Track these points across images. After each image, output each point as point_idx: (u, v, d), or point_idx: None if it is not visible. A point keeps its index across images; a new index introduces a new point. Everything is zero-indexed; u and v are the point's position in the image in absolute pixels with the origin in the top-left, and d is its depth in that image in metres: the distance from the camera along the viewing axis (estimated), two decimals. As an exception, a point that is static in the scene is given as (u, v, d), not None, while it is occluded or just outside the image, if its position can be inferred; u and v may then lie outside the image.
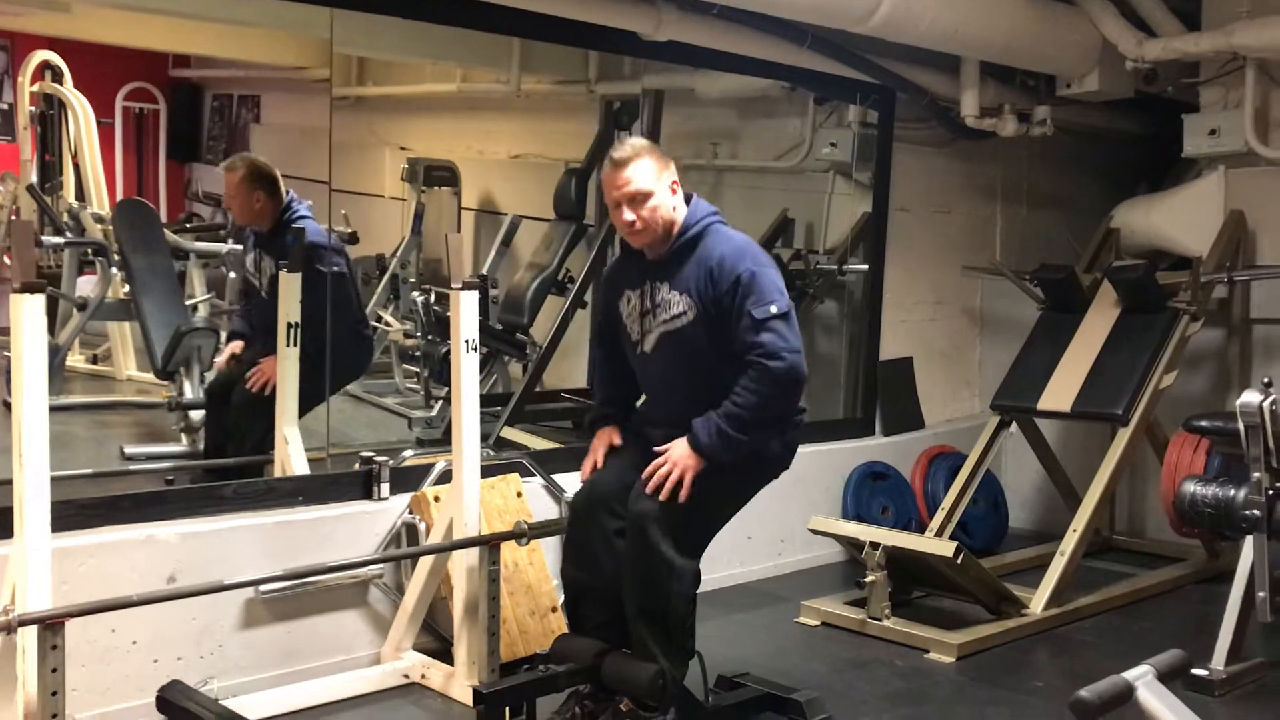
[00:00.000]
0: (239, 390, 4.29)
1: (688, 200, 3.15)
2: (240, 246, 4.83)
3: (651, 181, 3.05)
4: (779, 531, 4.91)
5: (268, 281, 4.29)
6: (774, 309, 2.99)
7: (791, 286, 5.50)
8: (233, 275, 5.66)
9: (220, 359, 4.74)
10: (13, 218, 6.01)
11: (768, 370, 2.96)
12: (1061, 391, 4.80)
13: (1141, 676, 1.85)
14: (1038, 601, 4.30)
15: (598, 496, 3.16)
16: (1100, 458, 4.67)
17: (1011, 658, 4.01)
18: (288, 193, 4.39)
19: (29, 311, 2.67)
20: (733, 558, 4.71)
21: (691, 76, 5.59)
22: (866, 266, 5.53)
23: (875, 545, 4.12)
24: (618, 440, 3.31)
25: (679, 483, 2.97)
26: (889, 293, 5.58)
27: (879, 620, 4.13)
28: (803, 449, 5.08)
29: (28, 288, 2.67)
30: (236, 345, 4.59)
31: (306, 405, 4.16)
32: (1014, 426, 5.10)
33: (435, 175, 6.79)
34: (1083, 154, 6.21)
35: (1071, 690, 1.80)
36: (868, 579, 4.13)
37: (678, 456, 3.00)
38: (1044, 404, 4.84)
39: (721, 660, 3.48)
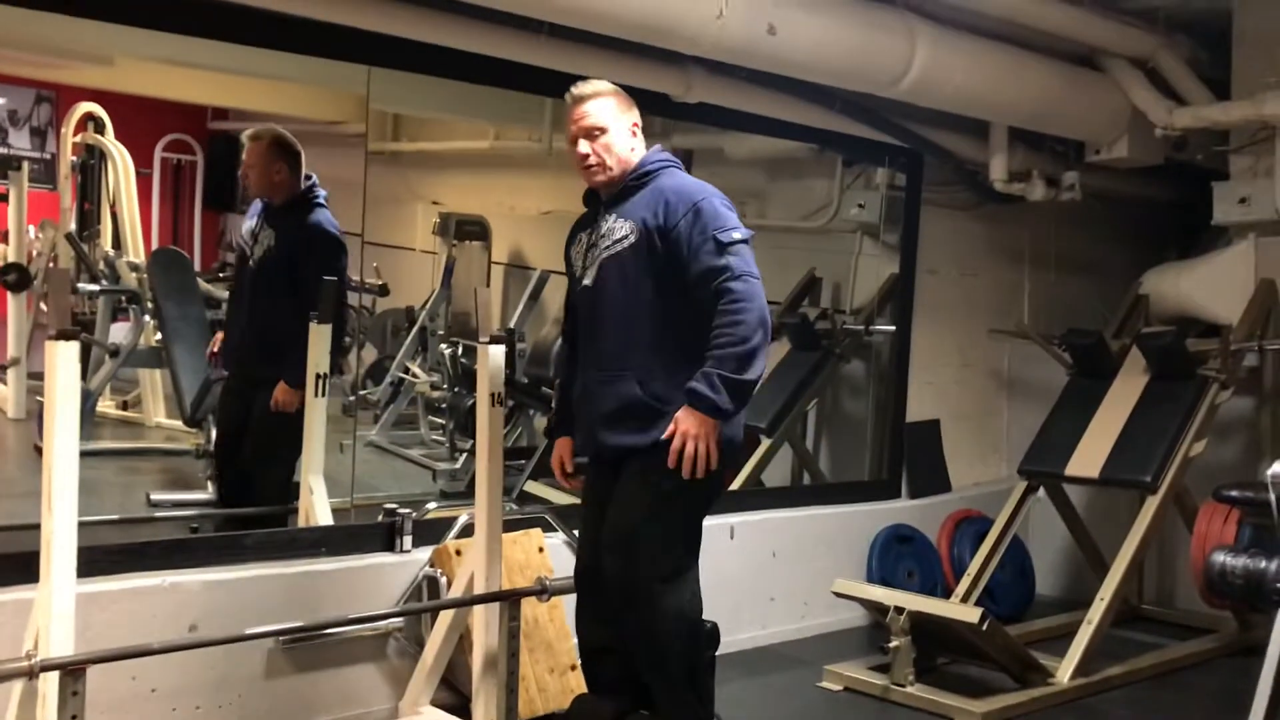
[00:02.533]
0: (249, 442, 4.25)
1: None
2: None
3: (609, 118, 3.03)
4: (802, 594, 4.87)
5: (261, 252, 4.21)
6: (736, 234, 2.86)
7: (818, 346, 5.55)
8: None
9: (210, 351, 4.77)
10: (50, 264, 6.12)
11: (740, 294, 2.79)
12: (1090, 457, 4.76)
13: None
14: (1064, 671, 4.23)
15: (598, 552, 3.10)
16: (1128, 525, 4.61)
17: (1037, 728, 3.95)
18: (309, 176, 4.32)
19: (63, 358, 2.70)
20: (755, 619, 4.67)
21: (720, 137, 5.64)
22: (893, 327, 5.53)
23: (900, 610, 4.07)
24: (568, 459, 3.28)
25: (708, 454, 2.81)
26: (916, 354, 5.57)
27: (902, 687, 4.07)
28: (828, 510, 5.19)
29: (63, 335, 2.70)
30: (218, 338, 4.60)
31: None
32: (1041, 492, 5.06)
33: (466, 230, 6.86)
34: (1111, 219, 6.20)
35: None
36: (892, 644, 4.08)
37: (687, 427, 2.80)
38: (1072, 470, 4.79)
39: (742, 724, 3.45)
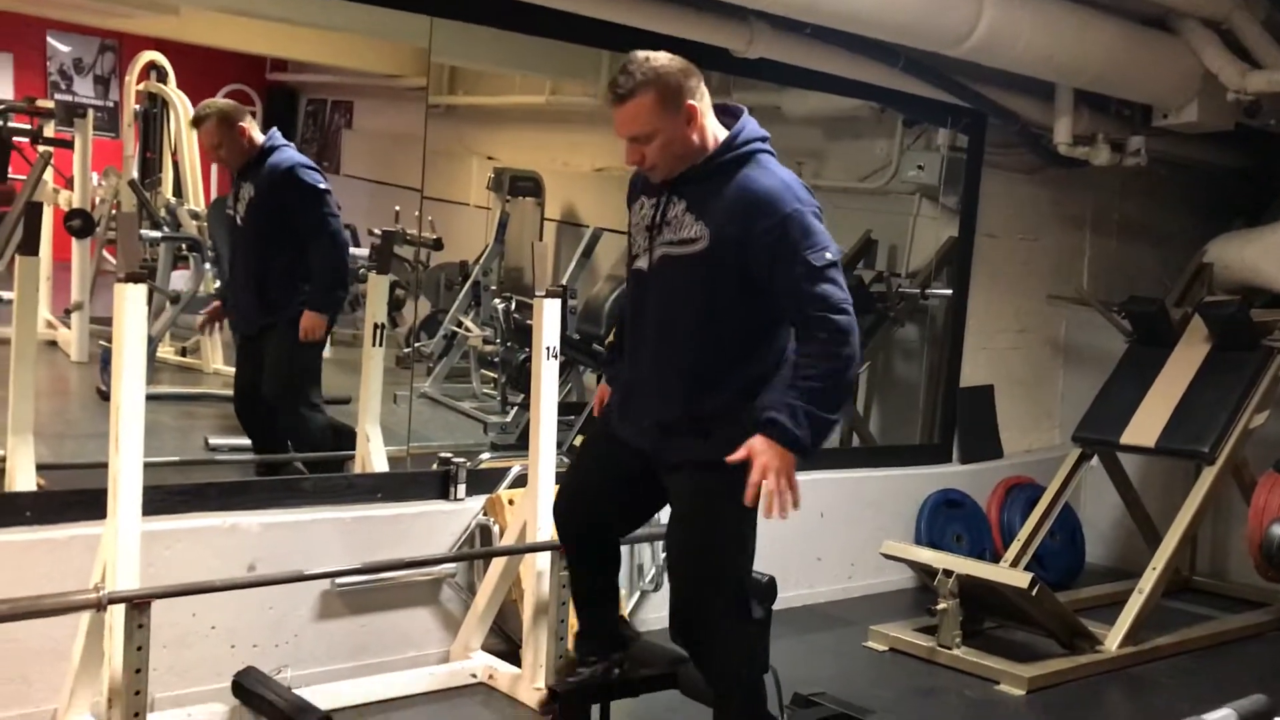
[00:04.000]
0: (266, 381, 4.30)
1: (737, 116, 2.70)
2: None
3: (653, 121, 2.57)
4: (849, 555, 4.87)
5: (244, 209, 4.27)
6: (829, 255, 2.54)
7: (871, 309, 5.51)
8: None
9: (199, 319, 4.94)
10: (114, 211, 6.22)
11: (837, 327, 2.50)
12: (1146, 426, 4.71)
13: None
14: (1113, 639, 4.21)
15: (577, 509, 2.95)
16: (1183, 496, 4.57)
17: (1084, 694, 3.94)
18: (267, 126, 4.37)
19: (131, 301, 2.75)
20: (802, 579, 4.69)
21: (779, 94, 5.58)
22: (950, 291, 5.47)
23: (949, 573, 4.07)
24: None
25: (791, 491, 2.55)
26: (971, 319, 5.52)
27: (949, 649, 4.07)
28: (877, 473, 5.18)
29: (131, 278, 2.75)
30: (215, 306, 4.72)
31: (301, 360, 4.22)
32: (1095, 460, 5.01)
33: (520, 185, 6.86)
34: (1177, 185, 6.09)
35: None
36: (939, 606, 4.08)
37: (768, 461, 2.49)
38: (1128, 438, 4.74)
39: (790, 679, 3.46)
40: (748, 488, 2.51)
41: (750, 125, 2.69)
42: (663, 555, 4.03)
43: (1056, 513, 4.86)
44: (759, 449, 2.50)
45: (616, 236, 6.56)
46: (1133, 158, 5.22)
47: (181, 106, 6.64)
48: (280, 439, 4.37)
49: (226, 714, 3.18)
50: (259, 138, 4.24)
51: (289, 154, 4.24)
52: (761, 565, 3.44)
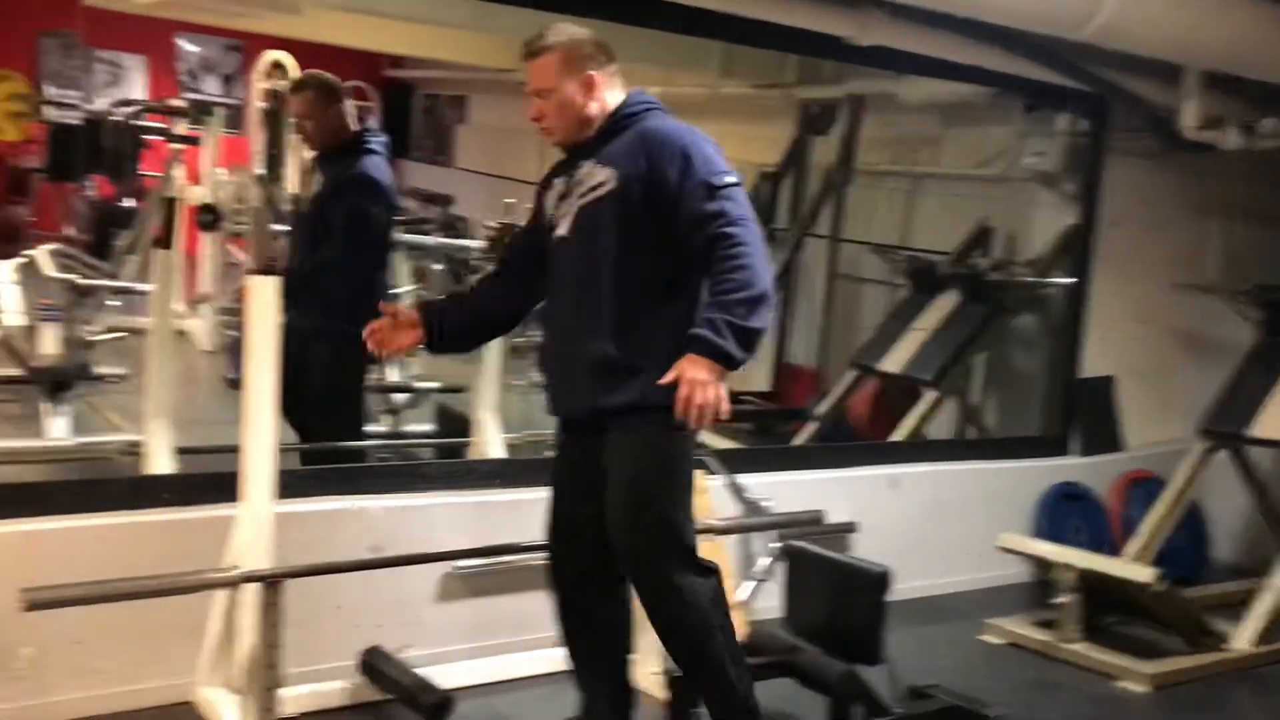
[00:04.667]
0: (308, 401, 3.95)
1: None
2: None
3: (552, 78, 2.73)
4: (965, 547, 4.80)
5: (310, 198, 4.05)
6: (729, 178, 2.63)
7: (988, 298, 5.42)
8: (438, 267, 5.90)
9: None
10: (240, 206, 6.44)
11: (740, 238, 2.56)
12: (1277, 419, 4.54)
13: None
14: (1241, 637, 4.09)
15: (561, 537, 2.95)
16: (1317, 491, 4.40)
17: (1210, 694, 3.83)
18: (364, 121, 4.13)
19: (263, 292, 2.87)
20: (916, 571, 4.62)
21: (894, 81, 5.53)
22: (1070, 280, 5.35)
23: (1069, 567, 3.99)
24: (401, 319, 2.92)
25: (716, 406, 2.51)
26: (1092, 309, 5.39)
27: (1068, 644, 4.00)
28: (994, 465, 5.10)
29: (263, 269, 2.87)
30: None
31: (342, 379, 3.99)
32: (1222, 454, 4.86)
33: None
34: (1312, 170, 5.84)
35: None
36: (1059, 600, 4.00)
37: (695, 374, 2.50)
38: (1258, 431, 4.58)
39: (904, 672, 3.44)
40: (676, 402, 2.51)
41: (641, 93, 2.86)
42: (773, 544, 4.04)
43: (1182, 508, 4.72)
44: (685, 365, 2.53)
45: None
46: (1265, 141, 5.02)
47: (304, 104, 6.83)
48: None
49: (352, 690, 3.29)
50: (352, 127, 4.03)
51: (373, 164, 3.99)
52: (875, 555, 3.44)
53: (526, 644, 3.67)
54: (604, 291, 2.70)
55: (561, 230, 2.79)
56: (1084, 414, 5.42)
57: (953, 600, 4.69)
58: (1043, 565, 4.19)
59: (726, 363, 2.53)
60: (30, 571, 2.82)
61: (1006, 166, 5.56)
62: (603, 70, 2.78)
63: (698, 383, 2.50)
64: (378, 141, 4.06)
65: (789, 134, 6.61)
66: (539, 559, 3.69)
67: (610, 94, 2.81)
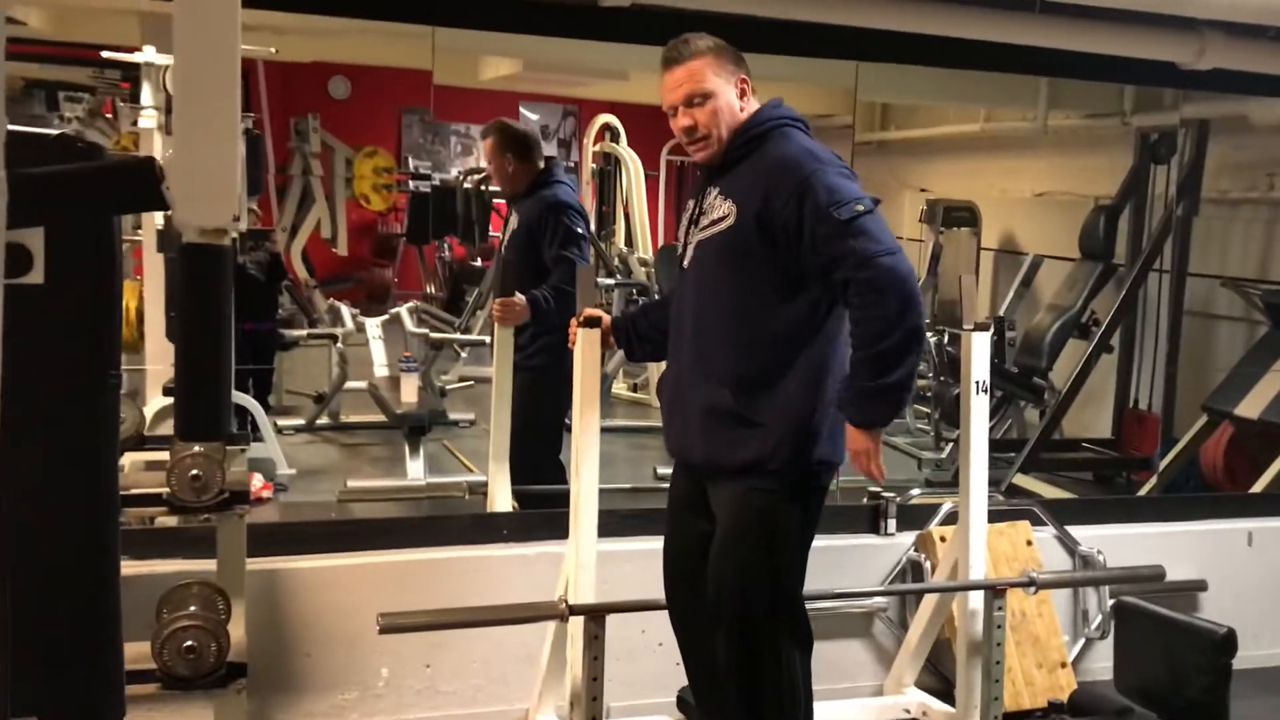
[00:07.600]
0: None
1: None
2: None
3: (710, 79, 2.54)
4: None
5: (507, 237, 4.21)
6: (859, 206, 2.40)
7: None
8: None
9: None
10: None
11: (868, 284, 2.37)
12: None
13: None
14: None
15: (676, 574, 2.90)
16: None
17: None
18: (550, 157, 4.28)
19: (586, 342, 3.06)
20: (1274, 637, 4.22)
21: (1243, 103, 5.14)
22: None
23: None
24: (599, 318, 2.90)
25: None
26: None
27: None
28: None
29: (586, 323, 3.06)
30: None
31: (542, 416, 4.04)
32: None
33: (954, 216, 6.78)
34: None
35: None
36: None
37: (853, 449, 2.53)
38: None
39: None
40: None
41: (780, 104, 2.65)
42: (1109, 601, 3.82)
43: None
44: (849, 434, 2.53)
45: (1058, 264, 6.30)
46: None
47: (632, 163, 7.21)
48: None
49: (671, 727, 3.41)
50: (526, 170, 4.12)
51: (559, 191, 4.10)
52: (1228, 617, 3.18)
53: (843, 692, 3.64)
54: (717, 336, 2.59)
55: (685, 263, 2.69)
56: None
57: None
58: None
59: (871, 427, 2.51)
60: (388, 598, 3.14)
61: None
62: (749, 78, 2.63)
63: (855, 454, 2.54)
64: (561, 173, 4.24)
65: (1125, 163, 6.27)
66: (854, 606, 3.71)
67: (752, 102, 2.63)
